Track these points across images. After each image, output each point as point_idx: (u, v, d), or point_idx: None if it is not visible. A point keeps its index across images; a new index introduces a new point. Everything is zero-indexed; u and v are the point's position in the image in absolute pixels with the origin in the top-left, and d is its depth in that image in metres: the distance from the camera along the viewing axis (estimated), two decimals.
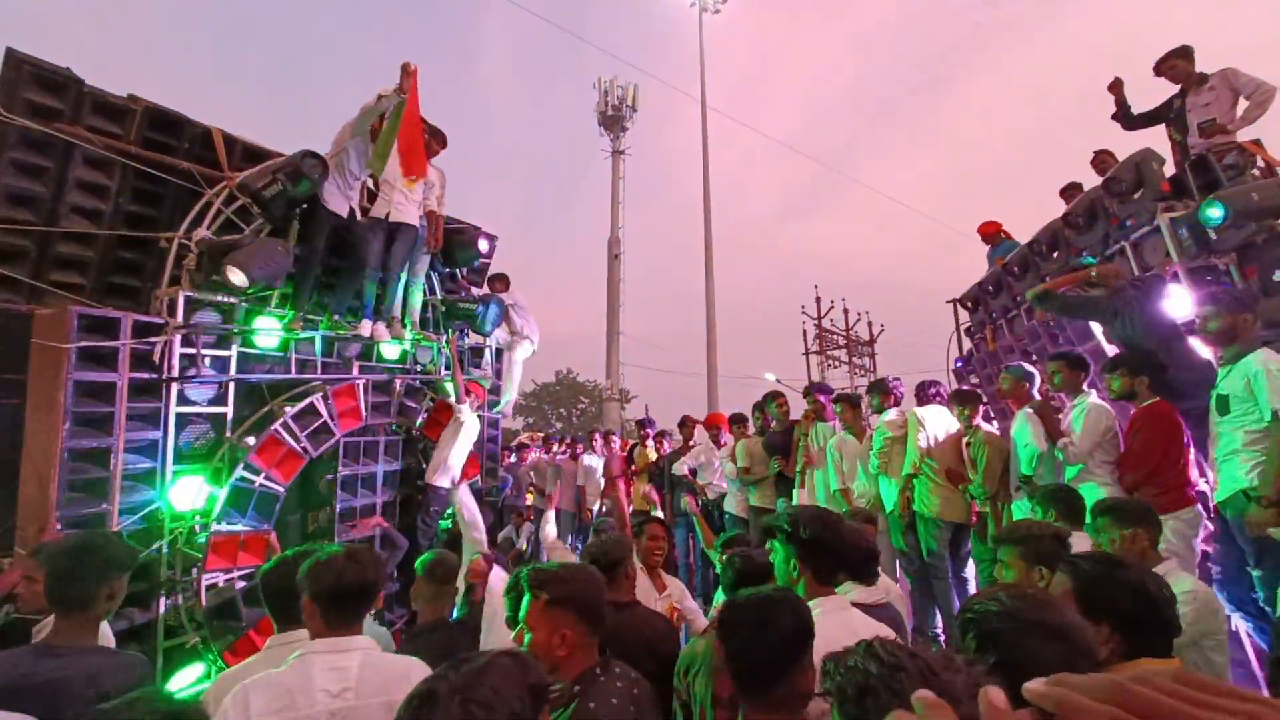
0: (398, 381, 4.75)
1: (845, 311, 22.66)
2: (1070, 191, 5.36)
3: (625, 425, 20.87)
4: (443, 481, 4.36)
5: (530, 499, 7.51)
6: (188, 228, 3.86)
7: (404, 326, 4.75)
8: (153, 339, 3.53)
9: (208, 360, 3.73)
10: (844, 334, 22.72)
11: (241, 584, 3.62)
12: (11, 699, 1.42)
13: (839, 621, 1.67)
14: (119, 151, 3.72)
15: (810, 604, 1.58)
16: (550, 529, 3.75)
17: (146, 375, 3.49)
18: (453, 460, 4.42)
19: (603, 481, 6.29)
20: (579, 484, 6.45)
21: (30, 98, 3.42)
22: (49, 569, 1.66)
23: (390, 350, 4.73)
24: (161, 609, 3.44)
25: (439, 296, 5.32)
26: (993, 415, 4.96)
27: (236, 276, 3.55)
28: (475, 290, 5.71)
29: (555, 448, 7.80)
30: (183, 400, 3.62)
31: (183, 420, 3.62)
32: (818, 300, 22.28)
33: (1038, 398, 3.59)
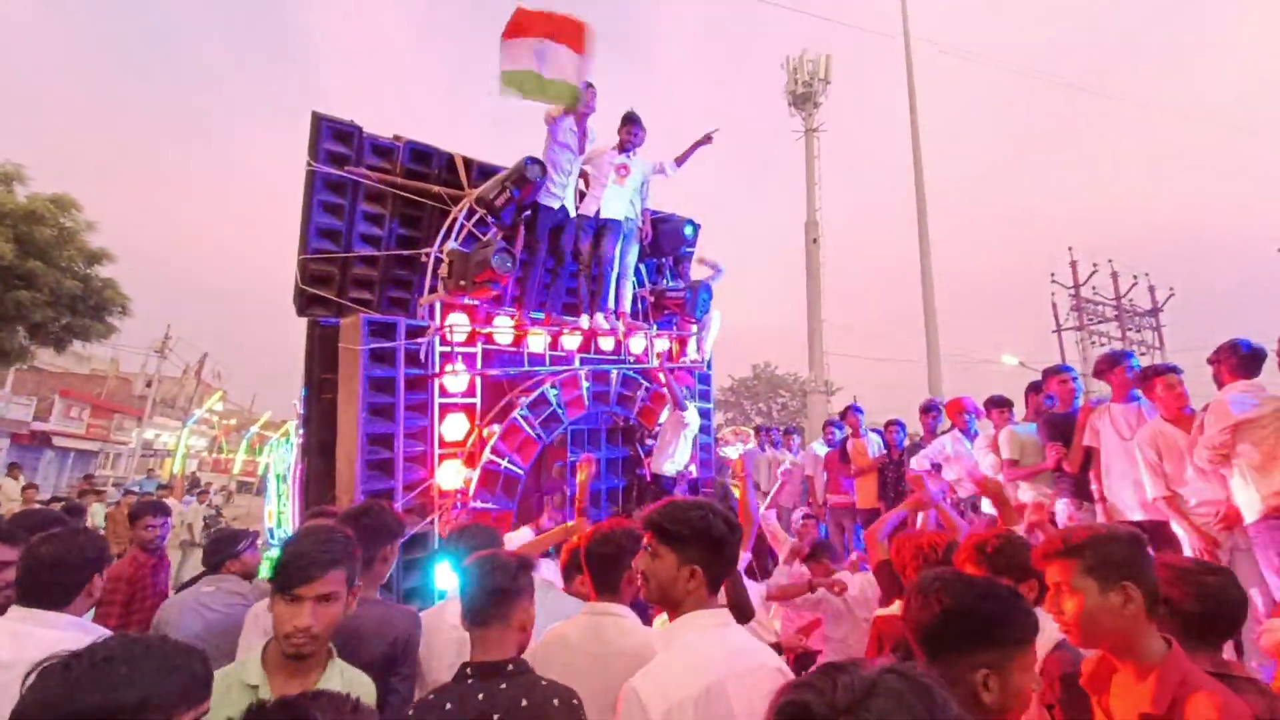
0: (614, 371, 4.90)
1: (1114, 276, 18.36)
2: None
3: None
4: (669, 470, 4.39)
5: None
6: (440, 242, 4.41)
7: (616, 318, 4.89)
8: (419, 340, 4.09)
9: (459, 357, 4.22)
10: (1113, 303, 18.42)
11: None
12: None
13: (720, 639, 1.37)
14: (389, 184, 4.40)
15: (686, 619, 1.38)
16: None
17: (416, 371, 4.06)
18: (678, 452, 4.45)
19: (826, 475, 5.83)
20: (807, 474, 6.08)
21: (328, 148, 4.19)
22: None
23: (605, 342, 4.91)
24: None
25: (648, 287, 5.39)
26: None
27: (502, 265, 3.90)
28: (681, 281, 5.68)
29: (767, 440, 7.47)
30: (442, 393, 4.12)
31: (443, 410, 4.12)
32: (1073, 265, 18.39)
33: None
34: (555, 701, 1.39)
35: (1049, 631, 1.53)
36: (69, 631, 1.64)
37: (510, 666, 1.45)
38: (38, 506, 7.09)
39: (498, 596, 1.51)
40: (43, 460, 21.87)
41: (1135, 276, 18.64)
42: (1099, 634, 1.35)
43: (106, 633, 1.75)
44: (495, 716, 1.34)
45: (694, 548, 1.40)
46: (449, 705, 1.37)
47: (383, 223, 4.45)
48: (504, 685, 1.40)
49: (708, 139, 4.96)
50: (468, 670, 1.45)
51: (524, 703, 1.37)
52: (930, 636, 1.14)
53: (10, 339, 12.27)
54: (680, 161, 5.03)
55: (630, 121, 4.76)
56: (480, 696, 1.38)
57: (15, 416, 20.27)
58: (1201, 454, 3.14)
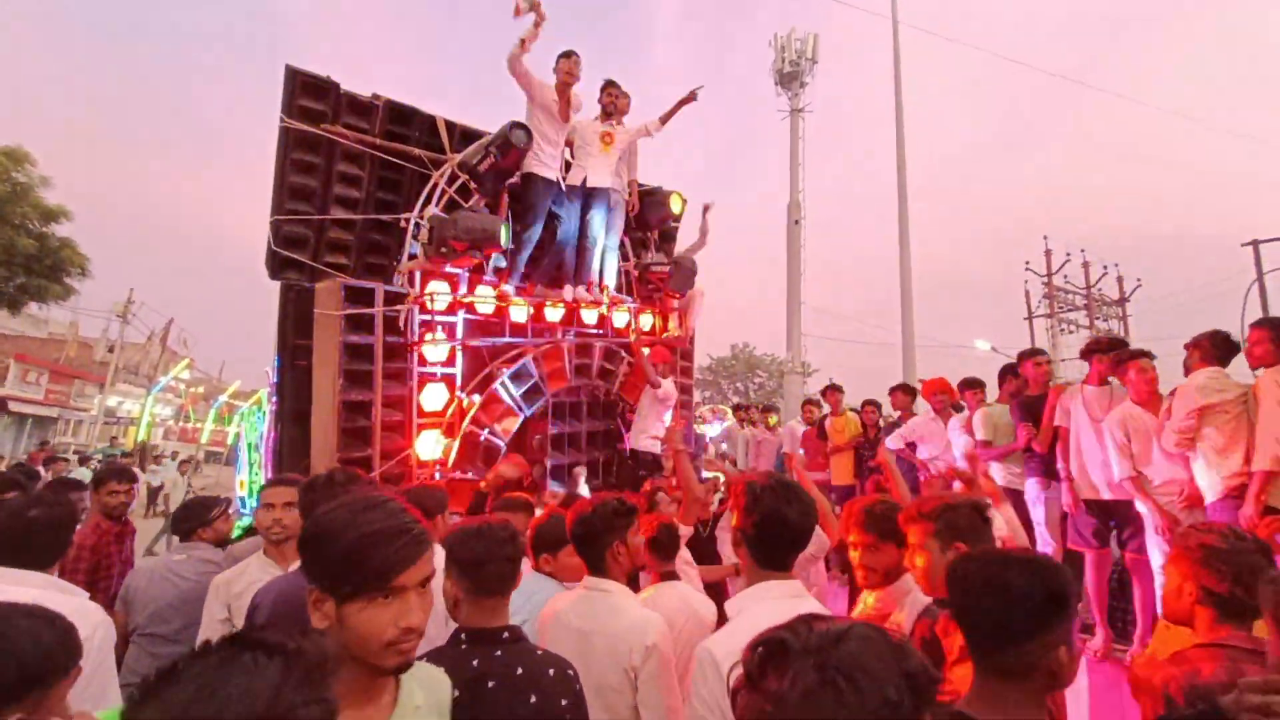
0: (597, 345, 4.86)
1: (1085, 265, 18.77)
2: None
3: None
4: (649, 446, 4.39)
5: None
6: (420, 207, 4.28)
7: (600, 291, 4.84)
8: (397, 307, 3.99)
9: (439, 326, 4.13)
10: (1083, 292, 18.86)
11: None
12: (278, 607, 1.66)
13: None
14: (367, 144, 4.24)
15: (758, 589, 1.44)
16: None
17: (395, 339, 3.97)
18: (655, 426, 4.44)
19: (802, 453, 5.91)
20: (784, 451, 6.16)
21: (303, 104, 4.01)
22: (301, 506, 1.87)
23: (589, 315, 4.85)
24: None
25: (632, 261, 5.34)
26: None
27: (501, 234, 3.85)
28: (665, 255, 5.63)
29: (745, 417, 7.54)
30: (421, 362, 4.05)
31: (422, 379, 4.04)
32: (1047, 254, 18.74)
33: None
34: (550, 671, 1.38)
35: (920, 595, 1.71)
36: (47, 590, 1.60)
37: (505, 634, 1.42)
38: None
39: (514, 566, 1.47)
40: None
41: (1105, 267, 19.12)
42: (939, 587, 1.54)
43: (81, 592, 1.71)
44: (490, 684, 1.32)
45: (744, 517, 1.47)
46: (442, 668, 1.34)
47: (360, 185, 4.29)
48: (499, 652, 1.38)
49: (692, 97, 4.87)
50: (462, 636, 1.42)
51: (519, 670, 1.35)
52: (1004, 629, 1.08)
53: None
54: (665, 120, 4.94)
55: (609, 86, 4.66)
56: (475, 663, 1.35)
57: None
58: (1169, 437, 3.24)
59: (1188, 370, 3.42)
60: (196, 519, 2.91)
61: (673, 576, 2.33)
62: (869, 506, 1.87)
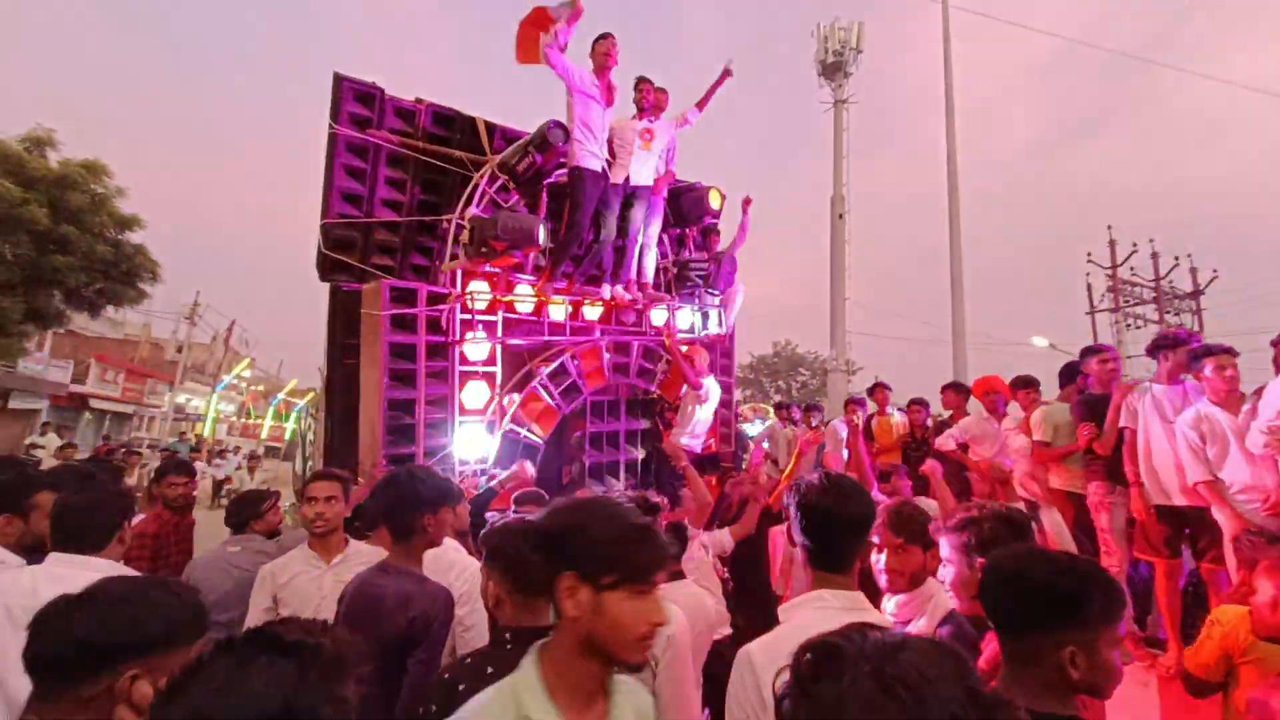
0: (635, 343, 4.84)
1: (1154, 256, 17.63)
2: None
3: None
4: (690, 444, 4.35)
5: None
6: (461, 208, 4.35)
7: (639, 290, 4.82)
8: (440, 307, 4.07)
9: (480, 325, 4.19)
10: (1152, 285, 17.73)
11: None
12: (353, 601, 1.71)
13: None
14: (411, 148, 4.33)
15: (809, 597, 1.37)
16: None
17: (437, 339, 4.05)
18: (698, 426, 4.40)
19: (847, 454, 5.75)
20: (828, 451, 6.00)
21: (350, 110, 4.13)
22: (381, 501, 1.90)
23: (627, 313, 4.85)
24: None
25: (670, 259, 5.29)
26: None
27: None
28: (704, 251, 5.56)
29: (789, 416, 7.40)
30: (463, 360, 4.11)
31: (464, 377, 4.11)
32: (1111, 244, 17.70)
33: None
34: None
35: (942, 601, 1.68)
36: (108, 575, 1.67)
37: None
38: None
39: None
40: (80, 422, 22.68)
41: (1176, 258, 17.92)
42: (969, 599, 1.56)
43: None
44: None
45: (792, 515, 1.41)
46: (490, 669, 1.31)
47: (405, 188, 4.39)
48: None
49: (727, 73, 4.81)
50: (507, 636, 1.39)
51: None
52: (1013, 616, 1.12)
53: (48, 302, 12.61)
54: (702, 106, 4.89)
55: (642, 82, 4.62)
56: None
57: (54, 379, 20.99)
58: (1257, 438, 3.00)
59: (1278, 368, 3.16)
60: (249, 511, 3.05)
61: (679, 576, 2.33)
62: (896, 508, 1.81)
